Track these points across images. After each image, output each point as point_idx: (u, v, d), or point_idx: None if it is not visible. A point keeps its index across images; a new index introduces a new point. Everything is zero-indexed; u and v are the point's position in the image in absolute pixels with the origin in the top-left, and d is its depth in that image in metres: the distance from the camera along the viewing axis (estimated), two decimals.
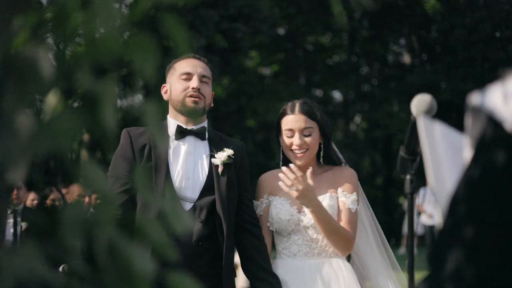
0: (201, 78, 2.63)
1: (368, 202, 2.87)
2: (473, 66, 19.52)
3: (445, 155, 1.24)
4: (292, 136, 2.65)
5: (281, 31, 21.69)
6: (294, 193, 2.48)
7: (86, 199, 5.31)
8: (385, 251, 2.79)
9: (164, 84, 2.74)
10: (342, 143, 22.14)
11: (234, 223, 2.59)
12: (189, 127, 2.62)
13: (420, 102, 1.62)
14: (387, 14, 20.22)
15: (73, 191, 5.84)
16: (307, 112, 2.66)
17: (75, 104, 0.80)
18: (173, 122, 2.63)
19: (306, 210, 2.61)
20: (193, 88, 2.59)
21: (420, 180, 1.63)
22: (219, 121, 15.42)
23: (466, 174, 0.91)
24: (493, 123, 0.89)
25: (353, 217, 2.63)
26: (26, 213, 5.22)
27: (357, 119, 23.67)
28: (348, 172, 2.72)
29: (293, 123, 2.65)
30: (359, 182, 2.73)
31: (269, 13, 18.46)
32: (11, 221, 4.97)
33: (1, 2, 0.73)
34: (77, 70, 0.77)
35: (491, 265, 0.87)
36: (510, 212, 0.86)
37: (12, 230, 4.99)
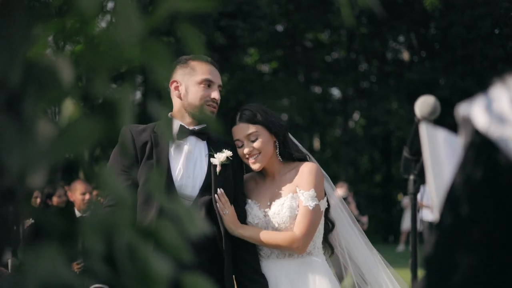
0: (219, 88, 2.68)
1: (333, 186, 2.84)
2: (472, 63, 19.55)
3: (447, 161, 1.26)
4: (242, 146, 2.68)
5: (280, 28, 21.69)
6: (227, 216, 2.58)
7: (87, 197, 5.33)
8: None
9: (175, 80, 2.68)
10: (340, 140, 22.18)
11: None
12: (191, 127, 2.64)
13: (423, 104, 1.63)
14: (386, 11, 20.22)
15: (75, 189, 5.85)
16: (248, 119, 2.68)
17: (93, 109, 0.82)
18: (175, 122, 2.65)
19: (271, 213, 2.64)
20: (213, 98, 2.62)
21: (423, 179, 1.65)
22: (217, 118, 15.38)
23: (450, 188, 0.95)
24: (475, 135, 0.92)
25: (308, 215, 2.61)
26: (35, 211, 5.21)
27: (356, 116, 23.70)
28: (305, 168, 2.69)
29: (238, 133, 2.69)
30: (322, 174, 2.71)
31: (268, 10, 18.46)
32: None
33: (21, 10, 0.75)
34: (95, 76, 0.79)
35: (479, 270, 0.90)
36: (490, 226, 0.89)
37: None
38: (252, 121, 2.67)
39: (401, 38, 22.18)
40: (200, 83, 2.63)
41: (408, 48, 21.67)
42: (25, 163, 0.74)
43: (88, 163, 0.78)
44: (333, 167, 21.70)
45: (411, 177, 1.74)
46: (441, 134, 1.31)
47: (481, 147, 0.91)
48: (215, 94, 2.63)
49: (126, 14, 0.70)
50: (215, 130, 2.63)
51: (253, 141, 2.66)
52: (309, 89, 22.42)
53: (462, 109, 0.95)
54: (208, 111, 2.61)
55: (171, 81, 2.68)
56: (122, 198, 0.77)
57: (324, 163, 21.84)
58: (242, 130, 2.67)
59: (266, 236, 2.61)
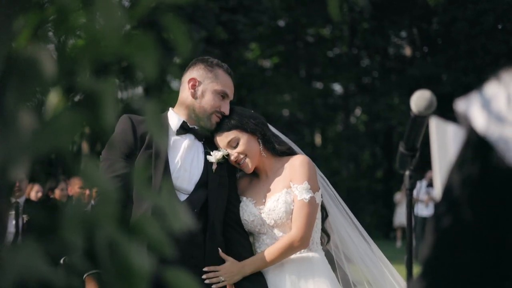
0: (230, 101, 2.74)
1: (327, 181, 2.83)
2: (474, 59, 19.50)
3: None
4: (228, 155, 2.69)
5: (281, 23, 21.65)
6: (227, 279, 2.55)
7: (87, 192, 5.32)
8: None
9: (194, 77, 2.67)
10: (342, 135, 22.17)
11: (223, 221, 2.64)
12: (191, 125, 2.65)
13: (419, 99, 1.62)
14: (388, 6, 20.18)
15: (75, 183, 5.86)
16: (222, 127, 2.68)
17: (76, 102, 0.81)
18: (177, 117, 2.66)
19: (266, 209, 2.63)
20: (223, 111, 2.66)
21: (419, 175, 1.64)
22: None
23: (446, 186, 0.94)
24: (471, 134, 0.91)
25: (305, 208, 2.59)
26: (28, 206, 5.23)
27: (358, 111, 23.67)
28: (297, 161, 2.67)
29: (219, 144, 2.69)
30: (313, 166, 2.68)
31: (269, 4, 18.42)
32: (12, 212, 4.98)
33: (3, 2, 0.74)
34: (78, 68, 0.78)
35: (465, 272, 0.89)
36: (479, 222, 0.89)
37: (14, 223, 5.00)
38: (227, 128, 2.67)
39: (403, 34, 22.13)
40: (218, 92, 2.65)
41: (410, 43, 21.62)
42: (6, 156, 0.73)
43: (71, 156, 0.77)
44: (335, 163, 21.70)
45: (407, 172, 1.73)
46: (451, 129, 1.29)
47: (478, 147, 0.89)
48: (226, 109, 2.67)
49: (107, 6, 0.69)
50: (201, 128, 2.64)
51: (235, 147, 2.66)
52: (311, 84, 22.39)
53: (460, 106, 0.93)
54: (213, 121, 2.66)
55: (190, 77, 2.68)
56: (105, 192, 0.76)
57: (325, 159, 21.88)
58: (222, 140, 2.68)
59: (269, 254, 2.59)
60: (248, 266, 2.60)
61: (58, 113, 0.78)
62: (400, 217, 16.02)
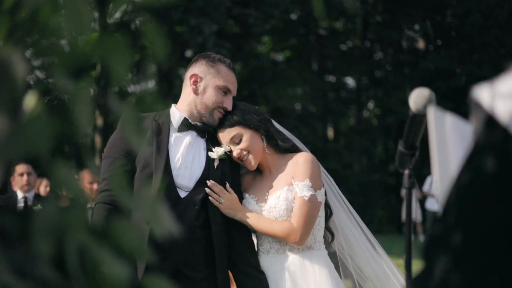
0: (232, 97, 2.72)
1: (331, 179, 2.80)
2: (488, 51, 19.28)
3: (454, 147, 1.21)
4: (231, 151, 2.67)
5: (293, 16, 21.54)
6: (223, 204, 2.56)
7: (95, 187, 5.35)
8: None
9: (196, 73, 2.66)
10: (355, 129, 22.06)
11: (225, 218, 2.61)
12: (193, 122, 2.64)
13: (418, 97, 1.58)
14: None
15: (83, 178, 5.88)
16: (224, 124, 2.66)
17: (50, 105, 0.79)
18: (179, 114, 2.64)
19: (268, 207, 2.60)
20: (225, 107, 2.64)
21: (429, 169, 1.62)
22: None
23: (458, 180, 0.89)
24: (490, 123, 0.86)
25: (304, 205, 2.56)
26: (37, 200, 5.26)
27: (370, 105, 23.54)
28: (300, 158, 2.64)
29: (222, 140, 2.67)
30: (317, 164, 2.65)
31: None
32: (21, 205, 5.01)
33: None
34: (52, 72, 0.77)
35: (478, 273, 0.85)
36: (499, 220, 0.84)
37: None
38: (230, 124, 2.65)
39: (417, 26, 21.92)
40: (220, 88, 2.64)
41: (424, 36, 21.42)
42: None
43: (45, 159, 0.76)
44: (347, 157, 21.61)
45: (406, 171, 1.70)
46: (449, 119, 1.26)
47: (493, 135, 0.85)
48: (228, 104, 2.65)
49: (75, 8, 0.68)
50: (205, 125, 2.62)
51: (238, 143, 2.64)
52: (323, 78, 22.29)
53: (474, 94, 0.90)
54: (216, 116, 2.64)
55: (191, 73, 2.66)
56: (77, 197, 0.74)
57: (337, 153, 21.80)
58: (224, 136, 2.66)
59: (264, 223, 2.58)
60: (242, 213, 2.60)
61: (31, 118, 0.76)
62: (416, 211, 15.92)
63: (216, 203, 2.56)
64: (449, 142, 1.23)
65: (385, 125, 21.67)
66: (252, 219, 2.59)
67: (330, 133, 23.70)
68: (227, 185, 2.60)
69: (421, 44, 21.72)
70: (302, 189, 2.57)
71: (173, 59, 16.59)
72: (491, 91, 0.88)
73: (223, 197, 2.56)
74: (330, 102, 21.81)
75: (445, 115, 1.28)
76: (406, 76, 20.70)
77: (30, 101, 0.81)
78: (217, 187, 2.56)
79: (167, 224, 0.84)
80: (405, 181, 1.70)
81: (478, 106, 0.89)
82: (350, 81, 23.35)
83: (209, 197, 2.55)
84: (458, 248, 0.86)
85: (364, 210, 21.13)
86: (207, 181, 2.55)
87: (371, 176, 21.15)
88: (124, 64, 0.73)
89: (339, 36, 22.07)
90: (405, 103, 20.12)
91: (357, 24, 22.08)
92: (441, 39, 21.16)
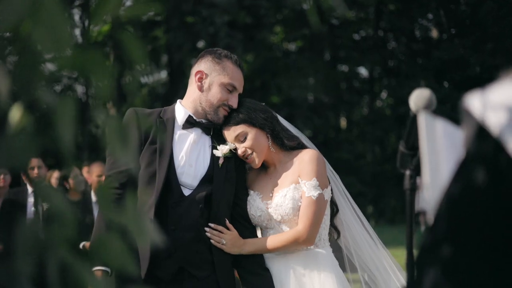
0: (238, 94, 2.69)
1: (335, 174, 2.78)
2: (502, 41, 19.05)
3: (444, 153, 1.20)
4: (236, 149, 2.65)
5: (305, 6, 21.42)
6: (226, 245, 2.54)
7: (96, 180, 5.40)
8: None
9: (201, 70, 2.63)
10: (367, 119, 21.96)
11: (230, 216, 2.61)
12: (198, 119, 2.62)
13: (418, 97, 1.57)
14: None
15: (92, 171, 5.91)
16: (229, 122, 2.63)
17: (34, 119, 0.79)
18: (184, 111, 2.63)
19: (274, 205, 2.59)
20: (230, 104, 2.61)
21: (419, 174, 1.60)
22: (242, 98, 15.40)
23: (448, 190, 0.89)
24: (481, 134, 0.85)
25: (311, 205, 2.54)
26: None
27: (383, 95, 23.41)
28: (306, 156, 2.62)
29: (227, 137, 2.65)
30: (323, 161, 2.63)
31: None
32: (31, 200, 5.05)
33: None
34: (35, 87, 0.77)
35: (466, 285, 0.85)
36: (489, 231, 0.84)
37: (33, 209, 5.07)
38: (235, 121, 2.62)
39: (430, 15, 21.71)
40: (226, 85, 2.61)
41: (437, 25, 21.22)
42: None
43: (27, 173, 0.76)
44: (360, 146, 21.54)
45: (407, 172, 1.68)
46: (440, 125, 1.25)
47: (484, 146, 0.85)
48: (234, 102, 2.62)
49: (52, 22, 0.67)
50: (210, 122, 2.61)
51: (243, 141, 2.62)
52: (336, 68, 22.19)
53: (465, 102, 0.89)
54: (221, 114, 2.61)
55: (197, 70, 2.64)
56: (60, 213, 0.74)
57: (350, 142, 21.74)
58: (229, 134, 2.63)
59: (271, 242, 2.57)
60: (248, 245, 2.58)
61: (14, 132, 0.77)
62: (420, 202, 15.86)
63: (219, 246, 2.54)
64: (440, 147, 1.23)
65: (398, 115, 21.55)
66: (260, 246, 2.59)
67: (343, 123, 23.63)
68: (227, 221, 2.58)
69: (434, 33, 21.52)
70: (310, 189, 2.55)
71: (185, 50, 16.59)
72: (483, 100, 0.87)
73: (224, 238, 2.54)
74: (343, 92, 21.72)
75: (436, 121, 1.28)
76: (419, 65, 20.54)
77: (15, 115, 0.81)
78: (217, 229, 2.54)
79: (150, 235, 0.84)
80: (406, 182, 1.69)
81: (469, 115, 0.88)
82: (362, 71, 23.24)
83: (211, 240, 2.52)
84: (448, 259, 0.86)
85: (377, 200, 21.10)
86: (205, 228, 2.52)
87: (384, 166, 21.08)
88: (105, 78, 0.73)
89: (352, 26, 21.93)
90: None
91: (370, 14, 21.92)
92: (455, 28, 20.95)
